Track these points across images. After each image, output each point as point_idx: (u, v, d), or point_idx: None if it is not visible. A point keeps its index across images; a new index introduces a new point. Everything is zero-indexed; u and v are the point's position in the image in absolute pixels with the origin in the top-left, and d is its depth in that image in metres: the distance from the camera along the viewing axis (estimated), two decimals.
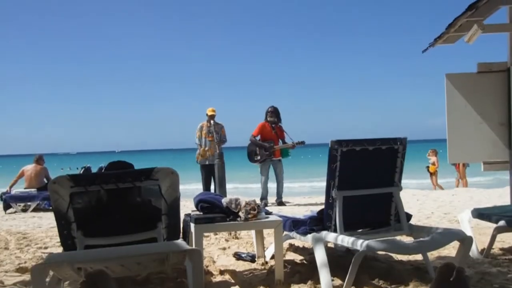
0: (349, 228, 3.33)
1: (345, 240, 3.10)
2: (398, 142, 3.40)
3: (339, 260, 3.60)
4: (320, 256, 3.17)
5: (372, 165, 3.42)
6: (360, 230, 3.51)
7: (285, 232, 3.61)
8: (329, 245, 3.63)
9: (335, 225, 3.30)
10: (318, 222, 3.43)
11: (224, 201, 3.43)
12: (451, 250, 3.97)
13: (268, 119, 8.98)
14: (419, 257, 3.69)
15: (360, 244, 2.87)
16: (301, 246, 4.36)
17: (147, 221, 3.00)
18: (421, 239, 3.17)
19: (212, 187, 8.89)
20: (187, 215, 3.65)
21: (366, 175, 3.42)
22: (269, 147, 8.78)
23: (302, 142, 8.92)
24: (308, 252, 4.09)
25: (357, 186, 3.36)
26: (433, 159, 14.20)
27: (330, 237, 3.26)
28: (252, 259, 3.99)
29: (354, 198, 3.35)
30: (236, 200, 3.39)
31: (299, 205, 9.11)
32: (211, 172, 8.81)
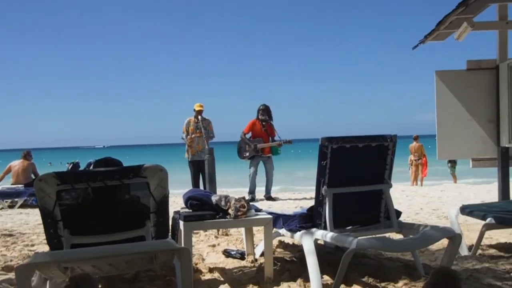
0: (339, 225, 3.32)
1: (335, 238, 3.09)
2: (388, 139, 3.39)
3: (328, 257, 3.59)
4: (310, 253, 3.16)
5: (362, 162, 3.41)
6: (350, 227, 3.49)
7: (274, 229, 3.59)
8: (319, 242, 3.62)
9: (325, 222, 3.28)
10: (307, 219, 3.42)
11: (214, 198, 3.40)
12: (439, 246, 3.98)
13: (260, 117, 9.07)
14: (408, 254, 3.70)
15: (350, 241, 2.86)
16: (290, 243, 4.34)
17: (135, 219, 2.96)
18: (411, 236, 3.16)
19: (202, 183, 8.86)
20: (176, 212, 3.62)
21: (356, 172, 3.41)
22: (255, 146, 8.87)
23: (289, 141, 9.14)
24: (297, 249, 4.08)
25: (347, 183, 3.35)
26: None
27: (320, 234, 3.25)
28: (242, 256, 3.96)
29: (344, 195, 3.34)
30: (226, 197, 3.36)
31: (289, 200, 9.10)
32: (200, 168, 8.78)
